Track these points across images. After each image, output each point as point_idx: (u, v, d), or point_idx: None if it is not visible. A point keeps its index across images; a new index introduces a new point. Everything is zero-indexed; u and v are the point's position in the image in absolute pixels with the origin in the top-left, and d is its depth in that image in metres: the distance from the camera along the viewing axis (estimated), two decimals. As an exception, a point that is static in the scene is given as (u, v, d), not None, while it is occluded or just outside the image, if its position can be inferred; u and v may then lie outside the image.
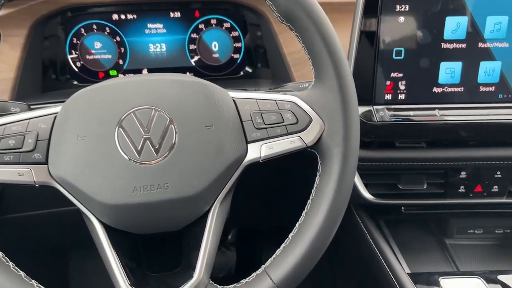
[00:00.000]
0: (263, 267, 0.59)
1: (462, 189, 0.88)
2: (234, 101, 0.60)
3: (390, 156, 0.84)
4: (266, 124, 0.59)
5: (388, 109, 0.82)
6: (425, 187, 0.87)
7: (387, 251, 0.86)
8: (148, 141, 0.55)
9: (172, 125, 0.55)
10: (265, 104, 0.60)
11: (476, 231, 0.99)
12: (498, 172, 0.87)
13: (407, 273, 0.82)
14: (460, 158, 0.84)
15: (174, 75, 0.59)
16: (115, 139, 0.54)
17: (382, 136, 0.82)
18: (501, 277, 0.81)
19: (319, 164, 0.60)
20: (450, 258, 0.95)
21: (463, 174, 0.87)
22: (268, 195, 1.14)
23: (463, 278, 0.80)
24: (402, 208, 0.94)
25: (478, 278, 0.80)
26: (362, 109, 0.82)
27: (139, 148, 0.54)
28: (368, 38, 0.78)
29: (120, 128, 0.55)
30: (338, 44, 0.58)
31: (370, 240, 0.90)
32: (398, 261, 0.85)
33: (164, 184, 0.54)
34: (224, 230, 0.60)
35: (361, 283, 1.11)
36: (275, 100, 0.60)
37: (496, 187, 0.88)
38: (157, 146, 0.55)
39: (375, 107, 0.82)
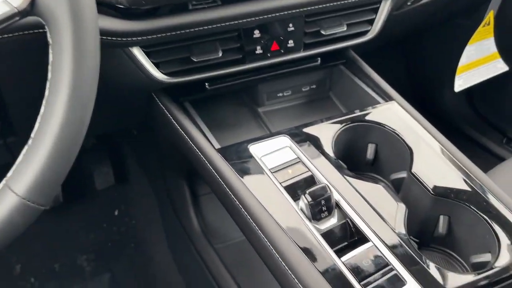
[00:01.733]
0: (4, 179, 0.46)
1: (259, 51, 0.83)
2: None
3: (175, 23, 0.73)
4: None
5: (158, -33, 0.69)
6: (220, 55, 0.79)
7: (195, 132, 0.79)
8: None
9: None
10: None
11: (285, 94, 0.97)
12: (290, 25, 0.83)
13: (217, 149, 0.76)
14: (251, 13, 0.77)
15: None
16: None
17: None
18: (305, 130, 0.80)
19: (48, 36, 0.46)
20: (264, 124, 0.93)
21: (256, 33, 0.81)
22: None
23: (270, 140, 0.78)
24: (206, 84, 0.86)
25: (285, 136, 0.79)
26: (126, -29, 0.67)
27: None
28: None
29: None
30: None
31: (177, 125, 0.82)
32: (208, 139, 0.79)
33: None
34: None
35: (185, 170, 1.05)
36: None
37: (292, 41, 0.85)
38: None
39: (141, -34, 0.68)
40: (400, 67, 1.76)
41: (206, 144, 0.77)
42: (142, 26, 0.70)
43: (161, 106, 0.84)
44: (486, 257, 0.66)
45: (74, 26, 0.44)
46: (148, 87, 0.84)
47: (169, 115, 0.83)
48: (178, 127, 0.81)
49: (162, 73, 0.78)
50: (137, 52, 0.74)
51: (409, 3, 1.06)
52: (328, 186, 0.68)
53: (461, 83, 1.29)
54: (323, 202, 0.67)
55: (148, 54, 0.75)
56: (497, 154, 1.65)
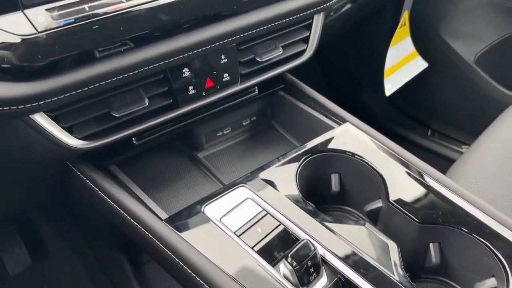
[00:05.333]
0: None
1: (192, 91, 0.70)
2: None
3: (83, 76, 0.57)
4: None
5: (50, 10, 0.53)
6: (147, 103, 0.65)
7: (133, 204, 0.64)
8: None
9: None
10: None
11: (225, 132, 0.85)
12: (223, 56, 0.71)
13: (164, 220, 0.62)
14: (176, 50, 0.63)
15: None
16: None
17: (56, 51, 0.54)
18: (263, 174, 0.69)
19: None
20: (208, 172, 0.80)
21: (186, 72, 0.68)
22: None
23: (227, 194, 0.65)
24: (133, 138, 0.71)
25: (242, 186, 0.67)
26: (8, 20, 0.51)
27: None
28: None
29: None
30: None
31: (107, 198, 0.66)
32: (149, 209, 0.64)
33: None
34: None
35: (120, 238, 0.88)
36: None
37: (227, 74, 0.73)
38: None
39: (28, 11, 0.52)
40: (316, 74, 1.73)
41: (149, 216, 0.62)
42: (41, 88, 0.54)
43: (82, 177, 0.67)
44: (491, 282, 0.60)
45: None
46: (61, 157, 0.67)
47: (94, 187, 0.66)
48: (110, 201, 0.65)
49: (78, 138, 0.62)
50: (41, 119, 0.58)
51: (332, 14, 1.00)
52: (310, 242, 0.57)
53: (390, 86, 1.27)
54: (309, 263, 0.56)
55: (56, 118, 0.59)
56: (425, 147, 1.68)
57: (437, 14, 1.37)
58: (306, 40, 0.82)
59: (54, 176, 0.74)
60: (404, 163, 0.71)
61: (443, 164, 1.60)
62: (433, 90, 1.58)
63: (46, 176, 0.75)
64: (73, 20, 0.54)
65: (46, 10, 0.53)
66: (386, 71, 1.27)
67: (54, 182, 0.78)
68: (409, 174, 0.69)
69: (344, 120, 0.79)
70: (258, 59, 0.75)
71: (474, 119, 1.57)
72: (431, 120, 1.68)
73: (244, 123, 0.87)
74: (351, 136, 0.76)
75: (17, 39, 0.51)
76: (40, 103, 0.55)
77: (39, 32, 0.52)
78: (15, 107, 0.53)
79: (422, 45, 1.38)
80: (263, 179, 0.68)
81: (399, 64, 1.30)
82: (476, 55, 1.44)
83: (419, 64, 1.35)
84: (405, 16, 1.24)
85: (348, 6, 1.12)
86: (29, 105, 0.54)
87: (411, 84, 1.61)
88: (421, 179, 0.69)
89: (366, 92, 1.67)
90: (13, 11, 0.51)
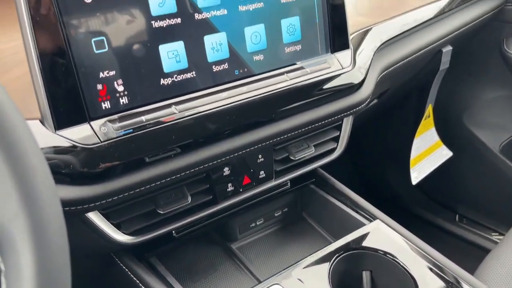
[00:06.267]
0: None
1: (230, 188, 0.75)
2: None
3: (136, 180, 0.63)
4: None
5: (112, 121, 0.60)
6: (190, 201, 0.70)
7: (170, 297, 0.67)
8: None
9: None
10: None
11: (257, 223, 0.89)
12: (260, 156, 0.77)
13: (201, 316, 0.64)
14: (219, 154, 0.69)
15: None
16: None
17: (114, 158, 0.60)
18: (296, 272, 0.71)
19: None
20: (241, 264, 0.83)
21: (226, 171, 0.74)
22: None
23: (262, 293, 0.67)
24: (173, 232, 0.75)
25: (277, 284, 0.69)
26: (76, 131, 0.58)
27: None
28: (49, 31, 0.54)
29: None
30: None
31: (146, 290, 0.69)
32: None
33: None
34: None
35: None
36: None
37: (263, 172, 0.78)
38: None
39: (93, 123, 0.59)
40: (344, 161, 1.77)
41: (188, 312, 0.65)
42: (98, 190, 0.59)
43: (125, 269, 0.71)
44: None
45: (34, 241, 0.33)
46: (106, 250, 0.71)
47: (136, 280, 0.70)
48: (150, 294, 0.68)
49: (125, 233, 0.66)
50: (94, 216, 0.63)
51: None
52: None
53: (416, 175, 1.30)
54: None
55: (107, 216, 0.64)
56: (453, 233, 1.66)
57: (461, 106, 1.43)
58: (336, 139, 0.87)
59: (96, 265, 0.78)
60: (437, 266, 0.72)
61: (473, 251, 1.58)
62: (459, 177, 1.60)
63: (88, 265, 0.79)
64: (132, 130, 0.60)
65: (109, 121, 0.60)
66: (412, 160, 1.30)
67: (94, 270, 0.82)
68: (441, 277, 0.70)
69: (374, 217, 0.82)
70: (292, 158, 0.81)
71: (502, 206, 1.56)
72: (458, 206, 1.67)
73: (276, 214, 0.91)
74: (383, 234, 0.78)
75: (82, 148, 0.57)
76: (96, 204, 0.60)
77: (101, 142, 0.58)
78: (74, 208, 0.59)
79: (447, 134, 1.42)
80: (296, 277, 0.70)
81: (425, 154, 1.34)
82: (501, 145, 1.47)
83: (444, 153, 1.38)
84: (429, 109, 1.29)
85: (375, 101, 1.18)
86: (86, 205, 0.59)
87: (438, 170, 1.63)
88: (454, 283, 0.69)
89: (392, 179, 1.69)
90: (81, 123, 0.58)
